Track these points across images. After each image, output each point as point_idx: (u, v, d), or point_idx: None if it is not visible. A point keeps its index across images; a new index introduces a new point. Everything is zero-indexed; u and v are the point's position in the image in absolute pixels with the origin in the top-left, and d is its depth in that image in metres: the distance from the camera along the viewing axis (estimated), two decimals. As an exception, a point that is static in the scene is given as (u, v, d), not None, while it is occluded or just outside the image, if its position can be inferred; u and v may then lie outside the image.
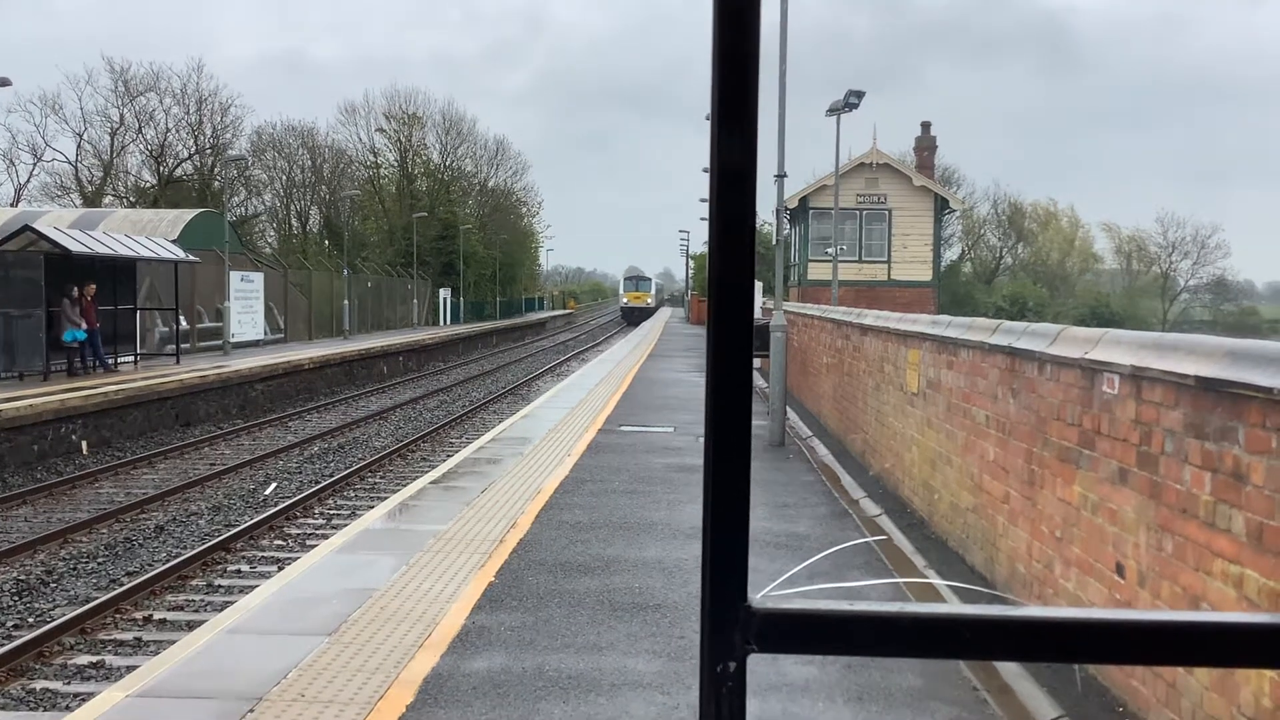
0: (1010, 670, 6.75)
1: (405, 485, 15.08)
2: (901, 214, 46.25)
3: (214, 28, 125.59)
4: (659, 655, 7.16)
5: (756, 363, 29.65)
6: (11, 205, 58.89)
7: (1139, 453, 6.05)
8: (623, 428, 18.52)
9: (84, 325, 25.81)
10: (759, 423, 18.33)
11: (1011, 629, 1.09)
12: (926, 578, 9.24)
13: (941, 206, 48.17)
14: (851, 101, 29.90)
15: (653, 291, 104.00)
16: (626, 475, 13.89)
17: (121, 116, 65.43)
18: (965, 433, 9.88)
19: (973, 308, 59.84)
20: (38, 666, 9.96)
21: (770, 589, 1.33)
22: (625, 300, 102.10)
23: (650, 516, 11.46)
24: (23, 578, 12.80)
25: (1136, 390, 6.09)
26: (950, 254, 74.42)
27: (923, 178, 47.91)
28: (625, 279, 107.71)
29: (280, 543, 14.77)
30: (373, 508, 13.46)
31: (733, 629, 1.08)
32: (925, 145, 52.95)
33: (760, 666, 6.70)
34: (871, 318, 15.39)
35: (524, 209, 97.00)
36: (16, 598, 12.14)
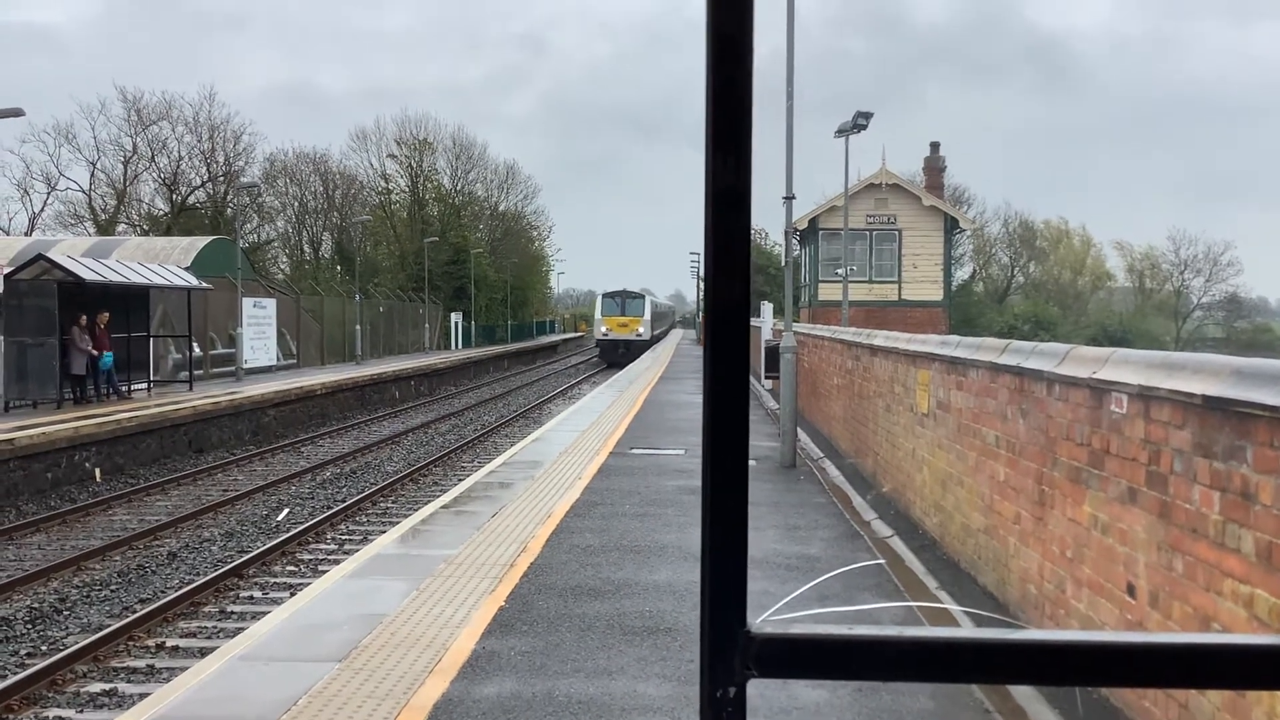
0: (1023, 693, 6.71)
1: (417, 510, 15.09)
2: (911, 234, 46.26)
3: (224, 59, 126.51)
4: (669, 679, 7.14)
5: (768, 384, 29.57)
6: (26, 234, 59.30)
7: (1148, 472, 6.03)
8: (634, 450, 18.50)
9: (94, 352, 25.93)
10: (770, 444, 18.30)
11: (1013, 652, 1.09)
12: (939, 600, 9.20)
13: (951, 226, 48.19)
14: (860, 122, 29.96)
15: (646, 314, 69.38)
16: (637, 498, 13.87)
17: (134, 145, 65.94)
18: (975, 453, 9.85)
19: (984, 327, 59.78)
20: (50, 695, 9.97)
21: (769, 614, 1.32)
22: (604, 329, 68.94)
23: (661, 539, 11.44)
24: (36, 605, 12.83)
25: (1145, 409, 6.07)
26: (961, 273, 74.43)
27: (932, 197, 47.93)
28: (604, 297, 71.51)
29: (292, 568, 14.78)
30: (384, 533, 13.46)
31: (732, 654, 1.08)
32: (934, 165, 52.99)
33: (771, 690, 6.68)
34: (881, 338, 15.38)
35: (534, 233, 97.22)
36: (30, 625, 12.16)
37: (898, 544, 11.55)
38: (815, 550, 11.06)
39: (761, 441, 19.28)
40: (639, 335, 67.40)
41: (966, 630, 1.12)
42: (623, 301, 69.30)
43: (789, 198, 17.93)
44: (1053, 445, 7.70)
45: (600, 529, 11.92)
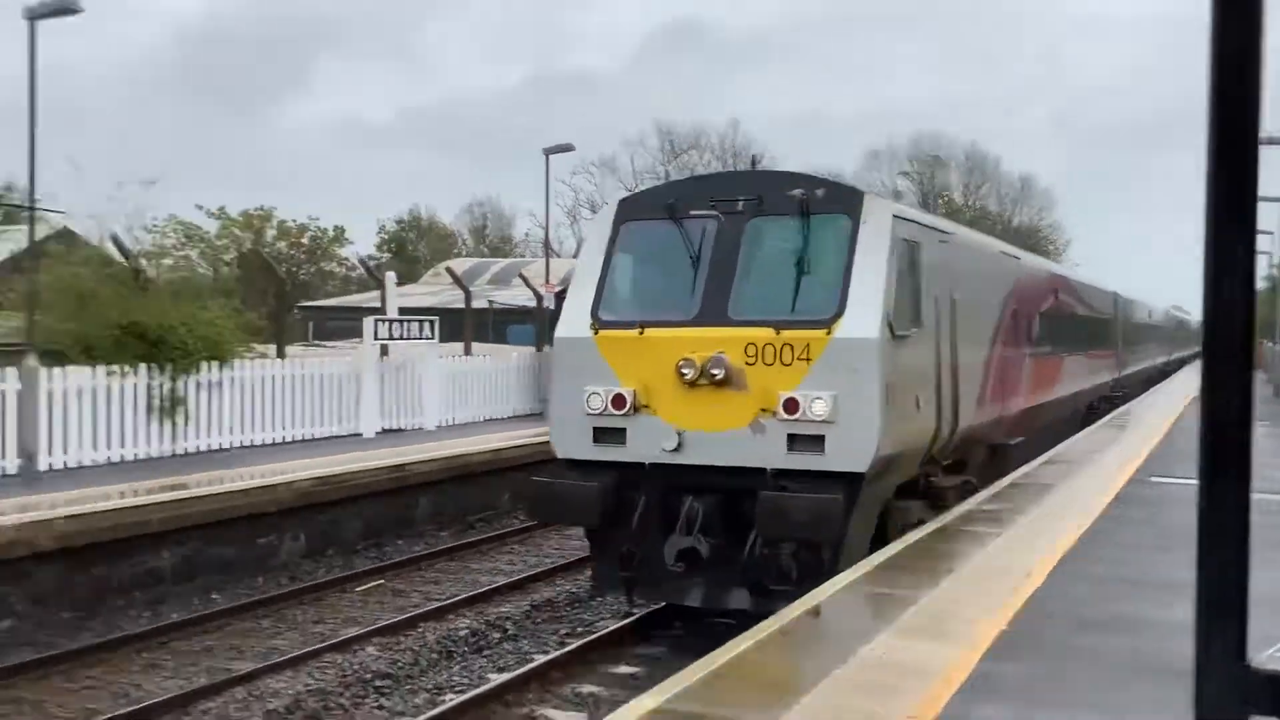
0: None
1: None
2: None
3: (742, 90, 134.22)
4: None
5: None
6: (573, 257, 65.86)
7: None
8: (1153, 479, 17.28)
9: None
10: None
11: None
12: None
13: None
14: None
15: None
16: (1153, 529, 12.95)
17: (667, 173, 71.30)
18: None
19: None
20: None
21: (1276, 649, 1.23)
22: (595, 397, 11.47)
23: (1177, 575, 10.61)
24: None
25: None
26: None
27: None
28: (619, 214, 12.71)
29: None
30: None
31: (1227, 691, 1.04)
32: None
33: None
34: None
35: (1050, 246, 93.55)
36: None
37: None
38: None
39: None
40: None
41: None
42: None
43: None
44: None
45: (1111, 559, 11.28)
